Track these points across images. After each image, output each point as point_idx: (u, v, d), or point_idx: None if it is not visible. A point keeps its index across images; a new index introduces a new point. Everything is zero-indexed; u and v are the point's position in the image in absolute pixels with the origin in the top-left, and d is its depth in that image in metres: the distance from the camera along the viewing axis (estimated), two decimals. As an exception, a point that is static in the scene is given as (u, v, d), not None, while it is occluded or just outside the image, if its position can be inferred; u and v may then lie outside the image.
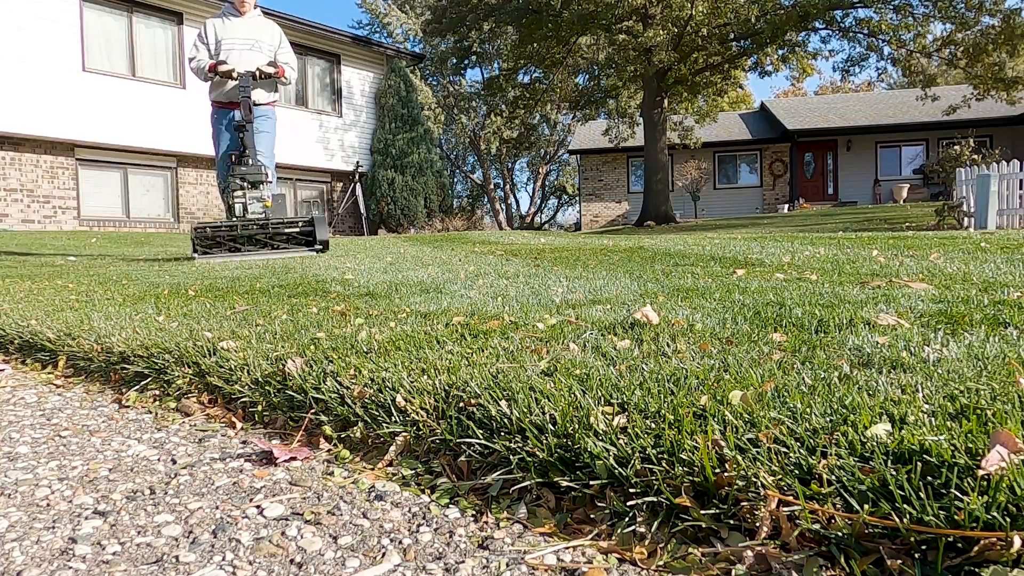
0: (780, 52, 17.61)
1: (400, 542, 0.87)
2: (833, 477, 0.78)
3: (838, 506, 0.75)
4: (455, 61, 23.04)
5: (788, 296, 2.00)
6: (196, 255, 5.23)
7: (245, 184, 5.36)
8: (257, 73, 5.31)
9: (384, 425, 1.16)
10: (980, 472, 0.72)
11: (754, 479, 0.80)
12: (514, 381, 1.15)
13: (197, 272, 4.04)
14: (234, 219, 5.39)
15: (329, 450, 1.20)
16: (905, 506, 0.71)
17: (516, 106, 20.09)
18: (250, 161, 5.30)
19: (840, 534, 0.72)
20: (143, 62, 12.37)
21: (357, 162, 15.89)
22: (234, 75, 5.28)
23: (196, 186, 13.18)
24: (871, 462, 0.78)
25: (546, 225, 36.09)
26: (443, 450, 1.09)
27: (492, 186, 33.35)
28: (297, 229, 5.52)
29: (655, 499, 0.84)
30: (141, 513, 0.98)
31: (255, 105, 5.41)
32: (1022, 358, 1.15)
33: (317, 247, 5.46)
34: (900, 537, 0.70)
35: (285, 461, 1.15)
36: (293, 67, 5.63)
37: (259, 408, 1.38)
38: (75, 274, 4.27)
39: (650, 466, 0.87)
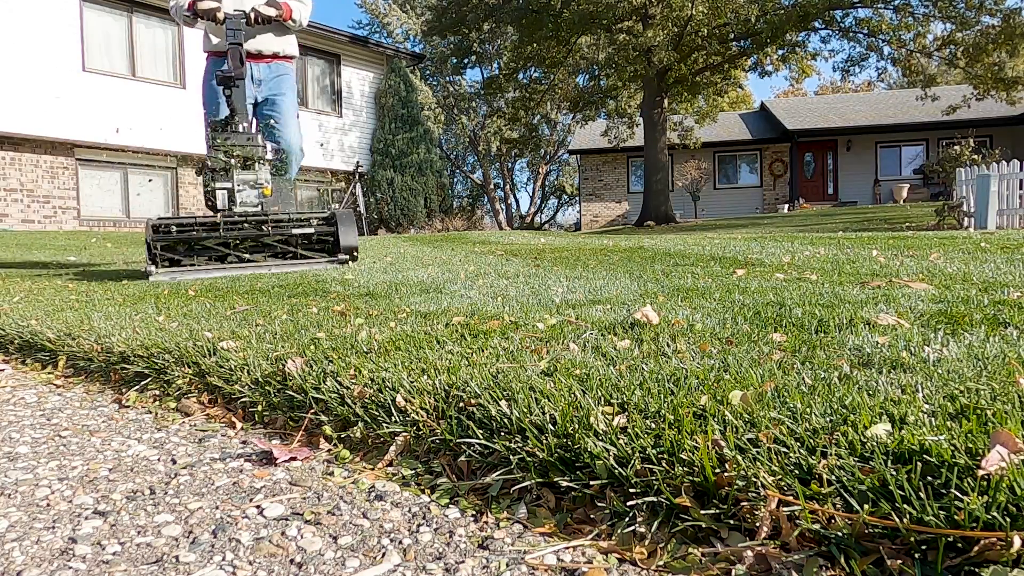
0: (780, 52, 17.62)
1: (400, 542, 0.87)
2: (833, 477, 0.77)
3: (838, 506, 0.75)
4: (455, 61, 23.05)
5: (788, 296, 2.00)
6: (153, 269, 3.58)
7: (232, 161, 3.76)
8: (252, 16, 3.92)
9: (384, 425, 1.16)
10: (980, 472, 0.72)
11: (754, 479, 0.80)
12: (514, 381, 1.15)
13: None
14: (218, 215, 3.81)
15: (329, 450, 1.20)
16: (905, 506, 0.71)
17: (516, 106, 20.10)
18: (241, 127, 3.83)
19: (840, 534, 0.72)
20: (143, 62, 12.37)
21: (357, 162, 15.89)
22: (219, 16, 3.90)
23: (196, 186, 13.18)
24: (871, 462, 0.78)
25: (546, 225, 36.10)
26: (443, 450, 1.09)
27: (492, 186, 33.36)
28: (311, 230, 3.90)
29: (655, 499, 0.84)
30: (141, 513, 0.98)
31: (270, 58, 4.15)
32: (1022, 358, 1.15)
33: (341, 256, 3.87)
34: (900, 537, 0.70)
35: (285, 461, 1.15)
36: (306, 2, 4.23)
37: (259, 408, 1.38)
38: (75, 273, 4.27)
39: (650, 466, 0.87)
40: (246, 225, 3.82)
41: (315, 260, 3.91)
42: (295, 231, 3.90)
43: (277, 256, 3.93)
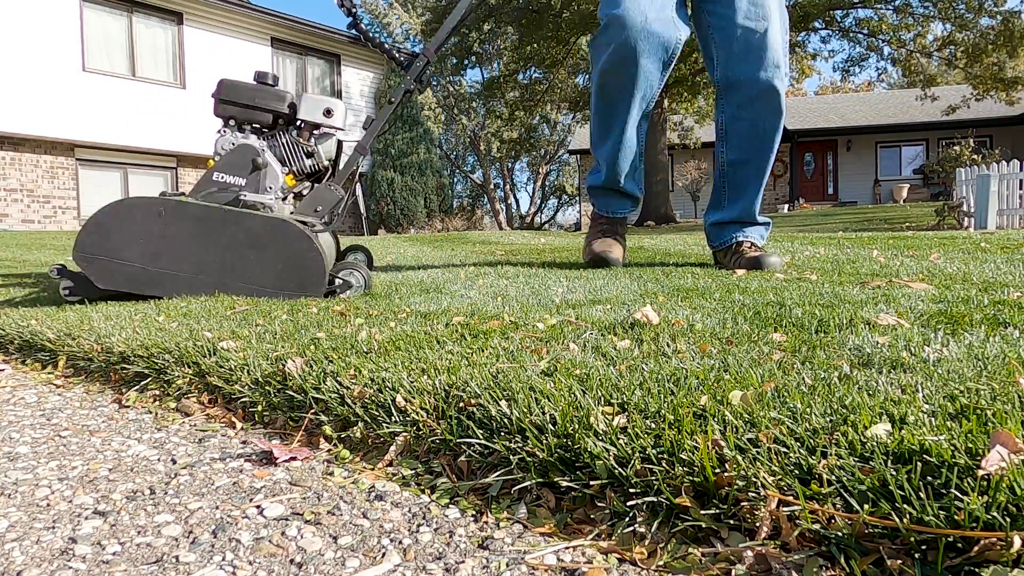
0: (780, 52, 17.60)
1: (400, 542, 0.87)
2: (833, 477, 0.77)
3: (838, 506, 0.75)
4: (455, 61, 23.05)
5: (788, 296, 2.00)
6: None
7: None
8: None
9: (384, 425, 1.16)
10: (980, 472, 0.72)
11: (754, 479, 0.80)
12: (514, 381, 1.15)
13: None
14: None
15: (329, 450, 1.20)
16: (905, 506, 0.71)
17: (516, 107, 20.13)
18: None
19: (840, 534, 0.72)
20: (143, 62, 12.37)
21: (357, 162, 15.88)
22: None
23: (196, 186, 13.18)
24: (871, 462, 0.78)
25: (546, 225, 36.10)
26: (443, 450, 1.09)
27: (492, 186, 33.36)
28: None
29: (655, 499, 0.84)
30: (141, 513, 0.97)
31: None
32: (1022, 358, 1.15)
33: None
34: (900, 537, 0.70)
35: (285, 461, 1.15)
36: None
37: (259, 408, 1.38)
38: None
39: (650, 466, 0.87)
40: None
41: None
42: None
43: None
